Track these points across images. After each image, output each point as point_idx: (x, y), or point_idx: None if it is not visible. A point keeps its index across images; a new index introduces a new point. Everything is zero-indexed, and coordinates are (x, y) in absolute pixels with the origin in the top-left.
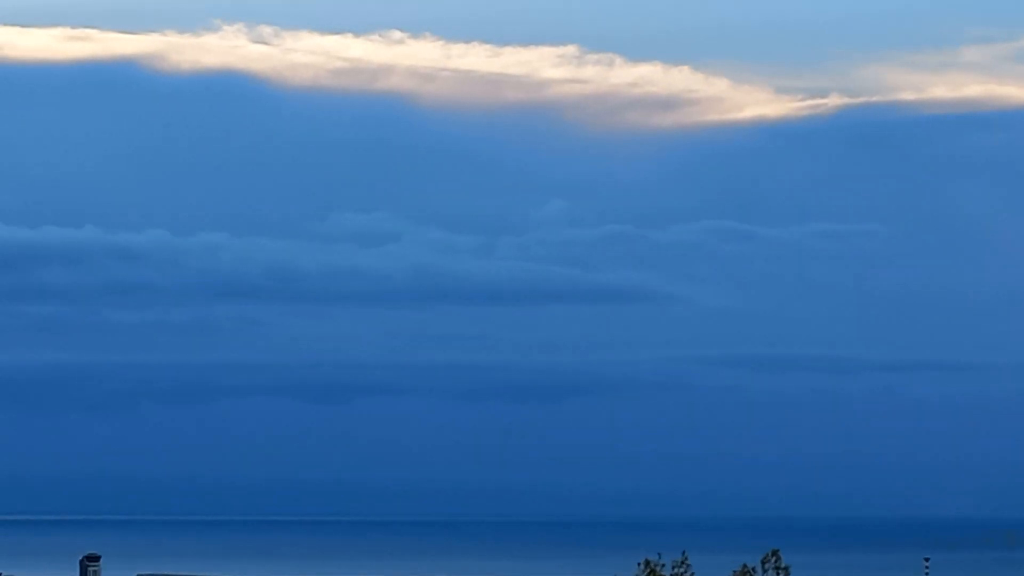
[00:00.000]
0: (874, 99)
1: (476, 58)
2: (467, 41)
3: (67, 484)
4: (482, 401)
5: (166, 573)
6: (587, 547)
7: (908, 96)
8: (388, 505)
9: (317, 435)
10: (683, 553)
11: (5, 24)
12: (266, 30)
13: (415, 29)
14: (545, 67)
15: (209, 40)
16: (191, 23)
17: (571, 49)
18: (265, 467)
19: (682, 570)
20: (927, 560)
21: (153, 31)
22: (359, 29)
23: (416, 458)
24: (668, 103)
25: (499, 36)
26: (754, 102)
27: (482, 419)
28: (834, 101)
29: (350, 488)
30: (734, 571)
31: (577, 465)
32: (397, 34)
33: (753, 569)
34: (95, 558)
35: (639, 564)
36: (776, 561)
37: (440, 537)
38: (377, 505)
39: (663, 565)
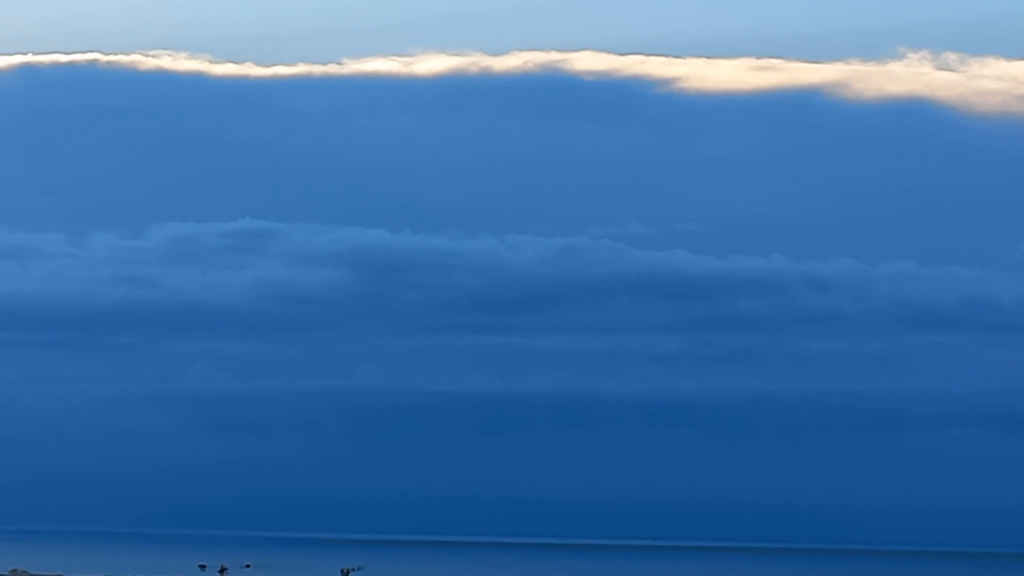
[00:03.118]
0: None
1: None
2: None
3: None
4: None
5: None
6: None
7: None
8: None
9: (1014, 464)
10: None
11: (692, 55)
12: (951, 57)
13: None
14: None
15: (894, 68)
16: (875, 51)
17: None
18: (963, 497)
19: None
20: None
21: (838, 60)
22: None
23: None
24: None
25: None
26: None
27: None
28: None
29: None
30: None
31: None
32: None
33: None
34: None
35: None
36: None
37: None
38: None
39: None
